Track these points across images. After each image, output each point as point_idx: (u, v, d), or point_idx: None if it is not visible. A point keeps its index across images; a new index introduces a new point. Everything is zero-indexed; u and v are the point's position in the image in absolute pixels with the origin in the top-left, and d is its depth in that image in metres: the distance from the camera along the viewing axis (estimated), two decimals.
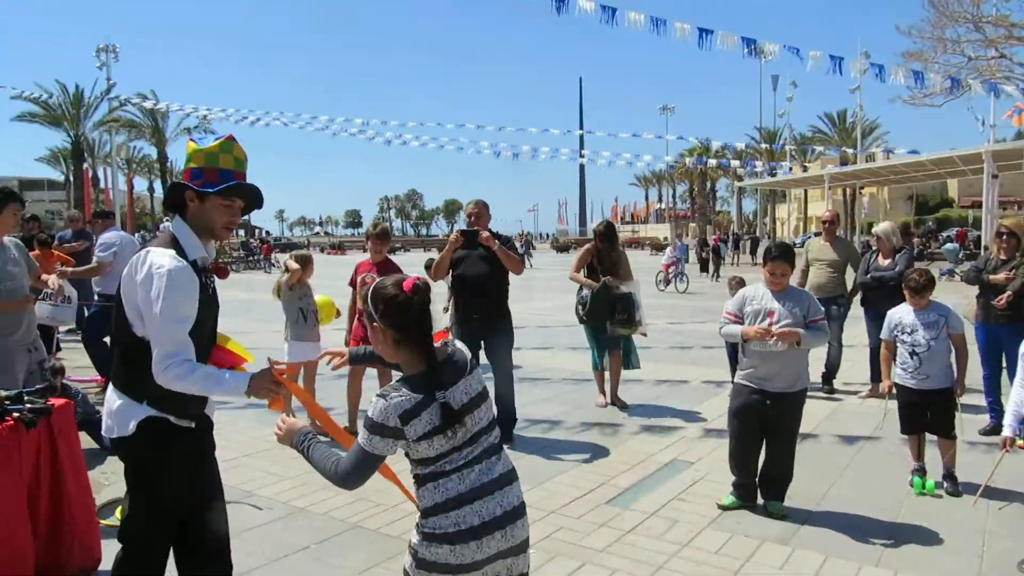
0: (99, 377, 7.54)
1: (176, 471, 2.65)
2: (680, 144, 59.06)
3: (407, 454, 2.15)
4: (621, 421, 6.56)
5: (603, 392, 7.14)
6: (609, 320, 6.76)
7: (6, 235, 4.87)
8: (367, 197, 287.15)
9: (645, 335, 7.19)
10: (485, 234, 5.80)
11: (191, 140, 2.71)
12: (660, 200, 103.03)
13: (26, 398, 3.30)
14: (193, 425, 2.70)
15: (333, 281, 9.84)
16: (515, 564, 2.21)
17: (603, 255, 6.98)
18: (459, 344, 2.27)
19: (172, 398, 2.58)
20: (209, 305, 2.67)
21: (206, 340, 2.71)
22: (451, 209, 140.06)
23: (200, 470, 2.77)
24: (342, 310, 6.57)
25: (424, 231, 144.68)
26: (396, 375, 2.25)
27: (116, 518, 3.81)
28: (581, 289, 7.02)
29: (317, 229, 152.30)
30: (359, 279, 6.13)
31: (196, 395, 2.66)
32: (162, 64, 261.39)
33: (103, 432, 2.73)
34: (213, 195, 2.61)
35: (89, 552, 3.51)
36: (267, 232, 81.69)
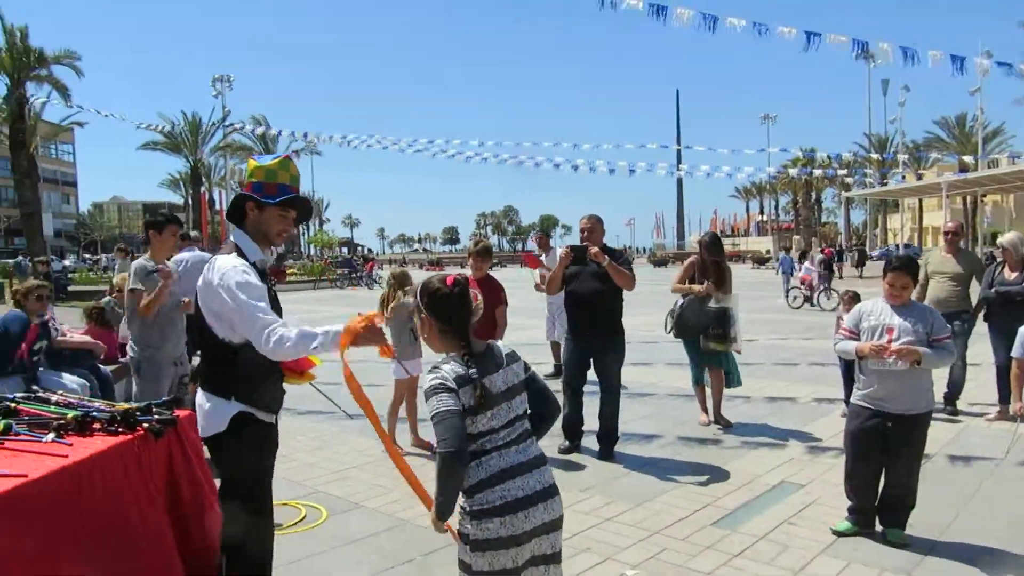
0: None
1: (264, 463, 2.95)
2: (783, 155, 57.18)
3: None
4: (725, 440, 6.37)
5: (705, 410, 6.94)
6: (703, 334, 6.58)
7: (167, 255, 5.31)
8: (464, 214, 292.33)
9: (740, 352, 6.95)
10: (595, 249, 5.76)
11: (252, 158, 3.07)
12: (761, 212, 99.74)
13: (154, 409, 3.49)
14: (273, 420, 2.98)
15: None
16: (556, 540, 2.42)
17: (707, 267, 6.72)
18: (499, 343, 2.52)
19: (257, 394, 2.86)
20: (271, 305, 2.90)
21: None
22: (546, 225, 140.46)
23: (272, 461, 3.07)
24: None
25: (520, 246, 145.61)
26: None
27: None
28: (675, 303, 6.85)
29: (416, 246, 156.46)
30: None
31: (276, 390, 2.96)
32: (270, 85, 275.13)
33: (200, 433, 2.97)
34: (273, 206, 2.92)
35: None
36: (369, 249, 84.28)
